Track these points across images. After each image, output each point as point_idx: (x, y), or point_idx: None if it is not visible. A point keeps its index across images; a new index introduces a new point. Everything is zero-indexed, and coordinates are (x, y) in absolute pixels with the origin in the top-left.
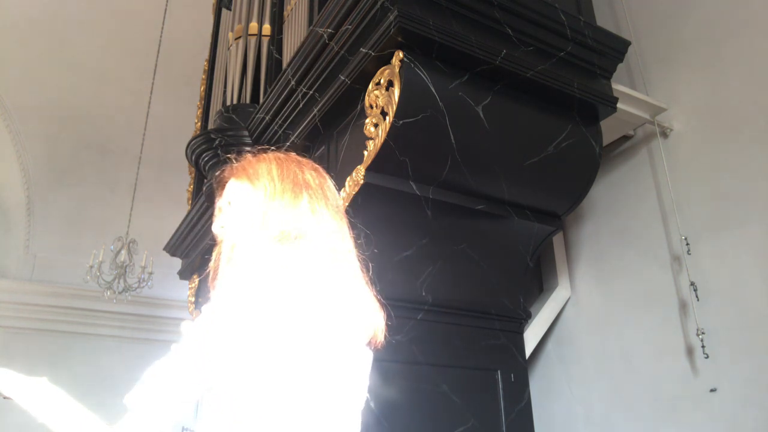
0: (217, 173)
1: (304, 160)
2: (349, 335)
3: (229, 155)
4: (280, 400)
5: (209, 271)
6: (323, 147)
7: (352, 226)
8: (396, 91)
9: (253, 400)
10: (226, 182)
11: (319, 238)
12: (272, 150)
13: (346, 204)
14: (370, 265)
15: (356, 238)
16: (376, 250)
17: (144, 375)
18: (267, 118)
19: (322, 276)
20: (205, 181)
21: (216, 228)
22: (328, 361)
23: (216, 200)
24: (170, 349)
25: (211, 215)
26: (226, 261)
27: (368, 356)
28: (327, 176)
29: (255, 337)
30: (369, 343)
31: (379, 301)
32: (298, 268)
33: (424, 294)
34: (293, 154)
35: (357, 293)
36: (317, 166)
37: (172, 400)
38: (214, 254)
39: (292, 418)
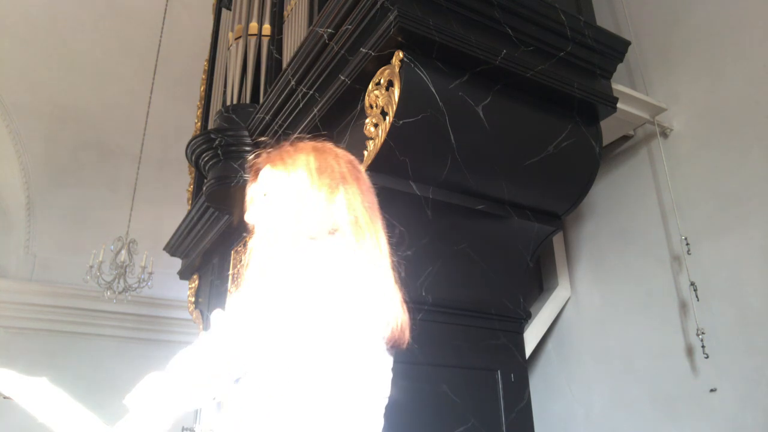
0: (251, 157)
1: (340, 152)
2: (372, 334)
3: (263, 138)
4: (304, 395)
5: (245, 263)
6: None
7: (387, 224)
8: (396, 91)
9: (278, 394)
10: (261, 169)
11: (352, 234)
12: (308, 139)
13: None
14: (402, 264)
15: (390, 237)
16: (409, 252)
17: (170, 363)
18: (267, 118)
19: (352, 274)
20: (206, 180)
21: (250, 218)
22: (351, 358)
23: (248, 185)
24: (198, 336)
25: (211, 216)
26: (259, 253)
27: (388, 358)
28: (362, 169)
29: (283, 331)
30: (393, 344)
31: (405, 302)
32: (328, 264)
33: (424, 294)
34: (330, 144)
35: (384, 293)
36: (353, 158)
37: (192, 392)
38: (249, 245)
39: (315, 411)
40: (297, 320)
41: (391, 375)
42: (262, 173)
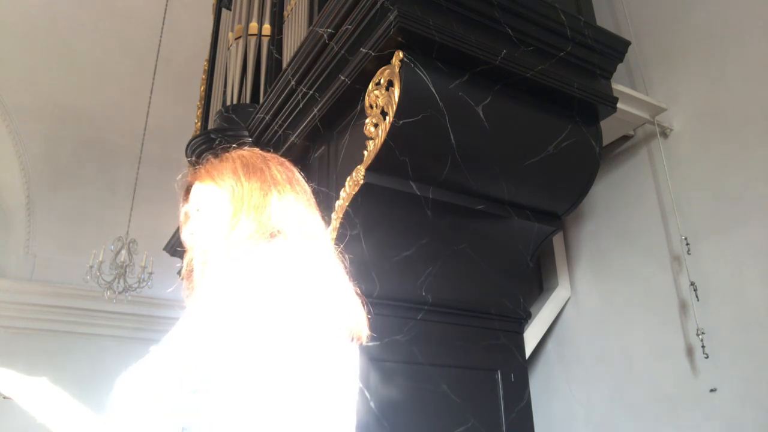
0: (179, 177)
1: (268, 155)
2: (332, 330)
3: (190, 159)
4: (271, 400)
5: (182, 279)
6: (323, 147)
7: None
8: (396, 91)
9: (242, 401)
10: (191, 187)
11: (292, 234)
12: (234, 148)
13: (346, 204)
14: (347, 257)
15: (345, 232)
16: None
17: (121, 379)
18: (267, 118)
19: (300, 273)
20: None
21: (185, 236)
22: (315, 357)
23: (181, 206)
24: (149, 351)
25: None
26: (200, 267)
27: (354, 351)
28: (294, 169)
29: (240, 339)
30: (353, 338)
31: (358, 294)
32: (274, 266)
33: (424, 294)
34: (258, 150)
35: (336, 288)
36: (283, 159)
37: (153, 404)
38: (184, 262)
39: (284, 417)
40: (252, 328)
41: (356, 374)
42: (192, 191)
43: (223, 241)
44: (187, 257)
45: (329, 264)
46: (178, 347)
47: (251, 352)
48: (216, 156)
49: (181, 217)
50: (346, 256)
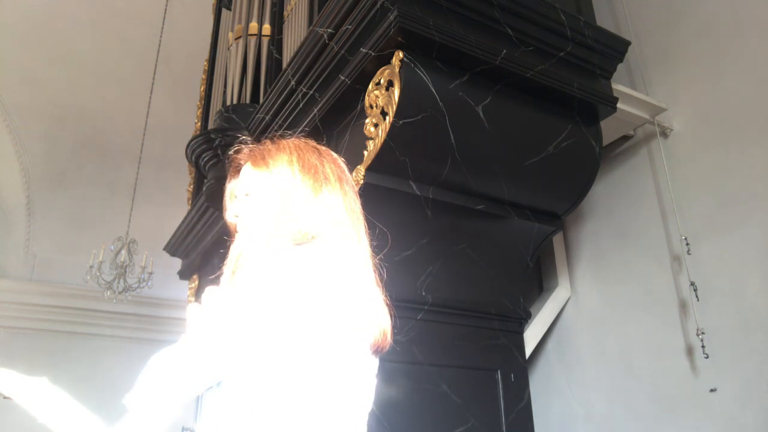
0: (231, 152)
1: (323, 150)
2: (356, 339)
3: (245, 136)
4: (288, 401)
5: (224, 265)
6: None
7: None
8: (396, 91)
9: (262, 399)
10: (242, 165)
11: (335, 238)
12: (288, 135)
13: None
14: (384, 266)
15: (371, 237)
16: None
17: (148, 365)
18: (267, 118)
19: (335, 279)
20: (206, 180)
21: (230, 216)
22: (336, 363)
23: (228, 181)
24: (177, 339)
25: (211, 216)
26: (239, 256)
27: (374, 362)
28: (345, 167)
29: (266, 337)
30: (376, 348)
31: (387, 304)
32: (312, 269)
33: (424, 294)
34: (312, 142)
35: (367, 297)
36: (336, 156)
37: (175, 394)
38: (231, 247)
39: (299, 418)
40: (279, 325)
41: (375, 381)
42: (243, 171)
43: (266, 236)
44: (232, 242)
45: (364, 271)
46: (205, 339)
47: (274, 354)
48: (272, 140)
49: (227, 194)
50: (384, 266)
